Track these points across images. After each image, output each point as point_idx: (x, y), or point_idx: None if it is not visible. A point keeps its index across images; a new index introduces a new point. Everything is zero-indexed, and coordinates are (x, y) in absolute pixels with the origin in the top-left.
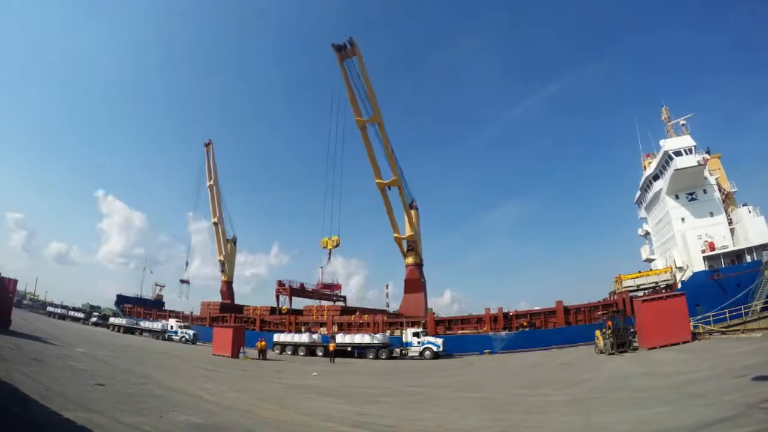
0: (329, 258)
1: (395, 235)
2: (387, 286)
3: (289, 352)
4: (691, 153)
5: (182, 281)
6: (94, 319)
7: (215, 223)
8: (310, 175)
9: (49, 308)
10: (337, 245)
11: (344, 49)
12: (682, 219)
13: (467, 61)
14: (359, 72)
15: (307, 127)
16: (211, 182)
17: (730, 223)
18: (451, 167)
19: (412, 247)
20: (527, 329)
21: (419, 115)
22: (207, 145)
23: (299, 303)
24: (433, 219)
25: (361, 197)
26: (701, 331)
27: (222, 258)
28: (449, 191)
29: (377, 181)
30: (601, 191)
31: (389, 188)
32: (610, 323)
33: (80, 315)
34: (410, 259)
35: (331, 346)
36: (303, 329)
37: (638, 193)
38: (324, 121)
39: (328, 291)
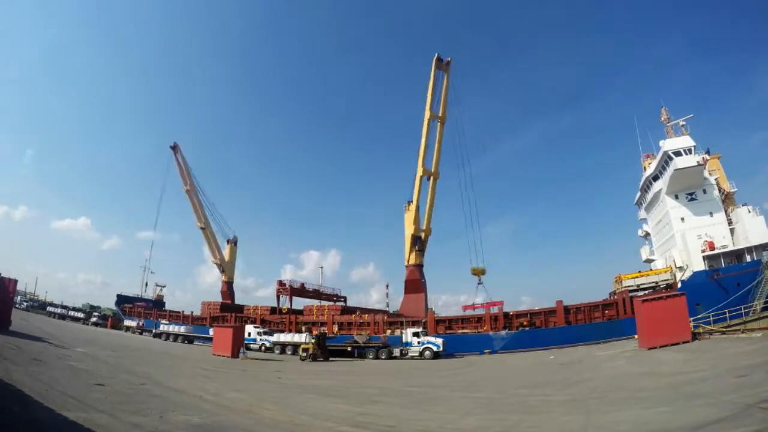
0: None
1: (414, 226)
2: (387, 286)
3: (290, 352)
4: (690, 153)
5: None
6: (94, 319)
7: (202, 228)
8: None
9: (49, 308)
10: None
11: (442, 62)
12: (682, 219)
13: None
14: (443, 83)
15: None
16: (188, 187)
17: (729, 223)
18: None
19: (422, 246)
20: (527, 329)
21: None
22: (173, 148)
23: (299, 303)
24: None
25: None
26: (701, 330)
27: (218, 261)
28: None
29: (421, 168)
30: (601, 193)
31: (428, 179)
32: None
33: (80, 315)
34: (412, 260)
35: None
36: (303, 329)
37: (638, 194)
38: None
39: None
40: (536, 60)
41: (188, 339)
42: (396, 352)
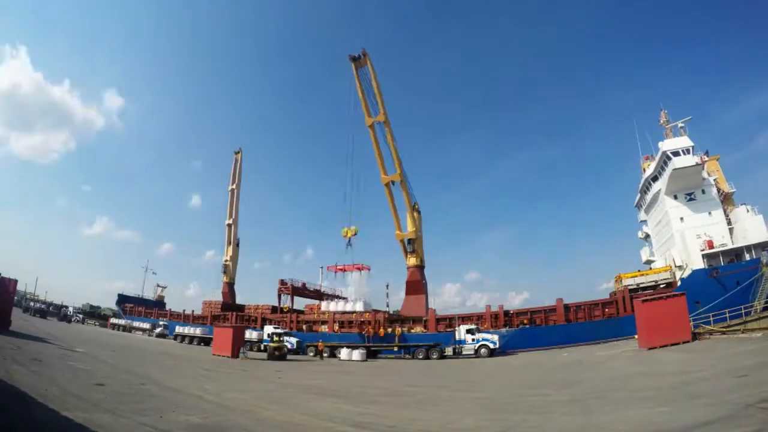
0: (349, 245)
1: (397, 232)
2: (387, 285)
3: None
4: (689, 153)
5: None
6: (159, 329)
7: (229, 225)
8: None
9: (76, 314)
10: (356, 234)
11: (358, 60)
12: (681, 218)
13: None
14: (370, 78)
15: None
16: (233, 186)
17: (728, 222)
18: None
19: (414, 248)
20: (528, 326)
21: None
22: (237, 153)
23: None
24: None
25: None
26: (701, 331)
27: (228, 259)
28: (455, 211)
29: (382, 176)
30: (602, 197)
31: (393, 183)
32: None
33: (145, 326)
34: (412, 261)
35: (320, 345)
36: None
37: (638, 195)
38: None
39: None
40: (535, 64)
41: (204, 341)
42: (449, 351)
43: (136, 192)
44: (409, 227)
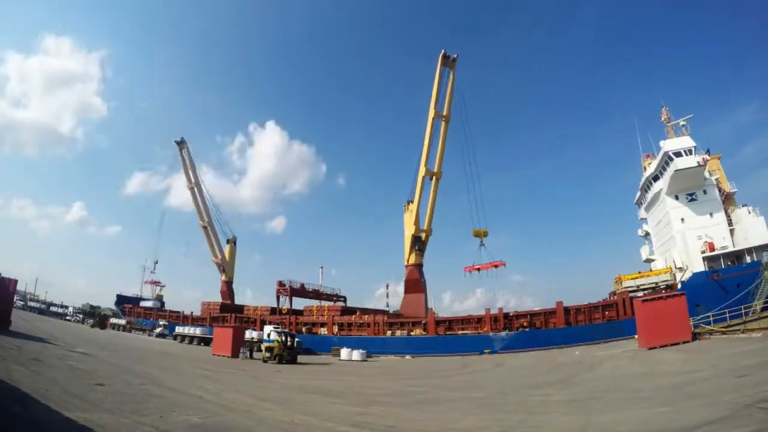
0: (482, 245)
1: (414, 227)
2: (387, 285)
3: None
4: (691, 154)
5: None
6: (159, 329)
7: (204, 227)
8: None
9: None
10: (486, 235)
11: (448, 59)
12: (682, 219)
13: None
14: (448, 82)
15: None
16: (192, 184)
17: (730, 223)
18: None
19: (423, 246)
20: (527, 329)
21: None
22: (180, 143)
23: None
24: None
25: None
26: (701, 331)
27: (218, 260)
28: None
29: (425, 167)
30: (601, 194)
31: (430, 179)
32: None
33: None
34: (412, 259)
35: None
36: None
37: (638, 193)
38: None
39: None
40: (534, 62)
41: (204, 341)
42: None
43: None
44: (426, 225)
